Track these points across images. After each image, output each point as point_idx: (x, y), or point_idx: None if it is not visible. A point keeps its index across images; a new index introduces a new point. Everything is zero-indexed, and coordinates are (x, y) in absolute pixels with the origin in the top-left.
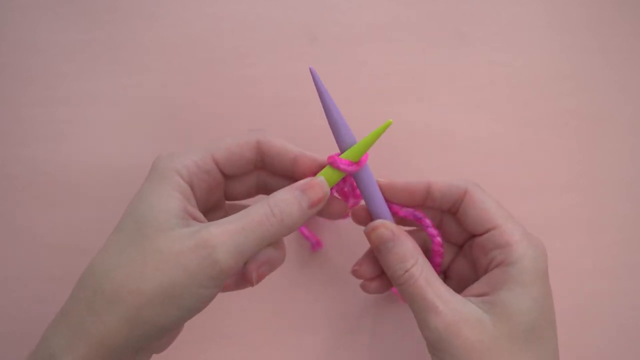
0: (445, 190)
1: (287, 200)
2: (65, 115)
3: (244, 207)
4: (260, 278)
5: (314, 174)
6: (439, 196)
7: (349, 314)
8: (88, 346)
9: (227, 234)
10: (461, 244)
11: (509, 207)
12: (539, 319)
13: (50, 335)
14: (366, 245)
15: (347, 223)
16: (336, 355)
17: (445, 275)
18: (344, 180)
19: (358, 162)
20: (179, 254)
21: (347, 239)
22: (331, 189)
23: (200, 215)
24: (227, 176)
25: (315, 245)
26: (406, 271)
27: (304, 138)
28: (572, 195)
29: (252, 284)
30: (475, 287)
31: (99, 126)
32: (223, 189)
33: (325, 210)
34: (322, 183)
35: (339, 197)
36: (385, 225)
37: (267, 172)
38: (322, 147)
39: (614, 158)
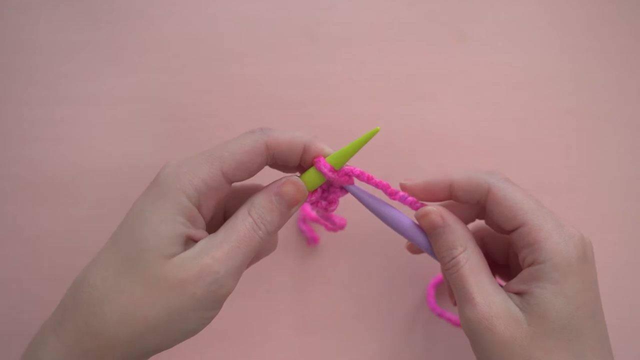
0: (467, 188)
1: (266, 208)
2: (65, 115)
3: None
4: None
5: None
6: (462, 195)
7: (347, 313)
8: None
9: (227, 255)
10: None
11: None
12: (574, 315)
13: (40, 348)
14: (363, 245)
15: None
16: (335, 355)
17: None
18: (324, 194)
19: (339, 171)
20: (185, 282)
21: (345, 239)
22: (309, 194)
23: (201, 233)
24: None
25: (310, 241)
26: (453, 258)
27: None
28: (572, 195)
29: None
30: (513, 284)
31: (99, 126)
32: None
33: None
34: (296, 181)
35: (316, 208)
36: (436, 211)
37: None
38: None
39: (614, 158)
